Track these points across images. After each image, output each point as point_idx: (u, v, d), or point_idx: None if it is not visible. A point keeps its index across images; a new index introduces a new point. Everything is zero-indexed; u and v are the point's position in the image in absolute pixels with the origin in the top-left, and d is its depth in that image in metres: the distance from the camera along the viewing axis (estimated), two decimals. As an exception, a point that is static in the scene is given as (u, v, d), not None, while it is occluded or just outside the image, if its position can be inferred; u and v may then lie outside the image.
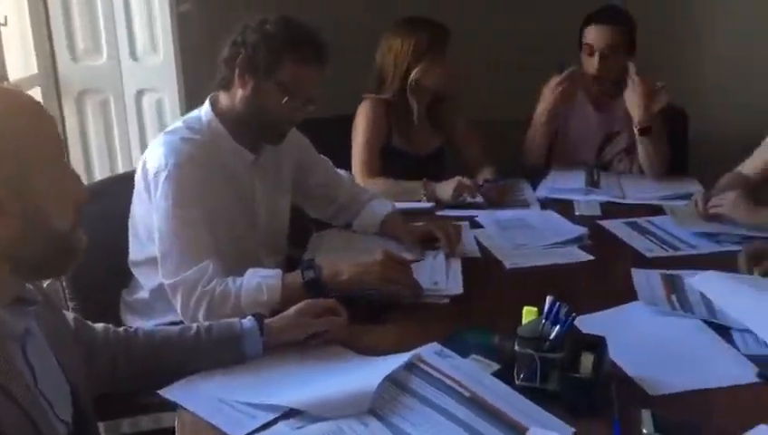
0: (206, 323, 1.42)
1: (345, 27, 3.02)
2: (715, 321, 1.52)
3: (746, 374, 1.33)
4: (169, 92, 2.46)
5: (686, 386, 1.30)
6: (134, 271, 1.85)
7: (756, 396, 1.28)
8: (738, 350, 1.42)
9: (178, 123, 1.79)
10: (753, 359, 1.38)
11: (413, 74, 2.41)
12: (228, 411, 1.25)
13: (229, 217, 1.76)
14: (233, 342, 1.39)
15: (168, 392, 1.31)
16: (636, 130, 2.45)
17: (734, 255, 1.82)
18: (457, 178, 2.32)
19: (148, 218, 1.73)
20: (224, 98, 1.77)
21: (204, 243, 1.64)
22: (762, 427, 1.15)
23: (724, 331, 1.49)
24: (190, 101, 2.39)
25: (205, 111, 1.78)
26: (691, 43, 3.19)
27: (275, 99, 1.70)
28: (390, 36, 2.45)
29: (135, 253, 1.83)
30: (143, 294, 1.83)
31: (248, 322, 1.41)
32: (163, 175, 1.65)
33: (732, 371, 1.35)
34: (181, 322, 1.60)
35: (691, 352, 1.43)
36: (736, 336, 1.47)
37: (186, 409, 1.27)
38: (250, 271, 1.63)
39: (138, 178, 1.75)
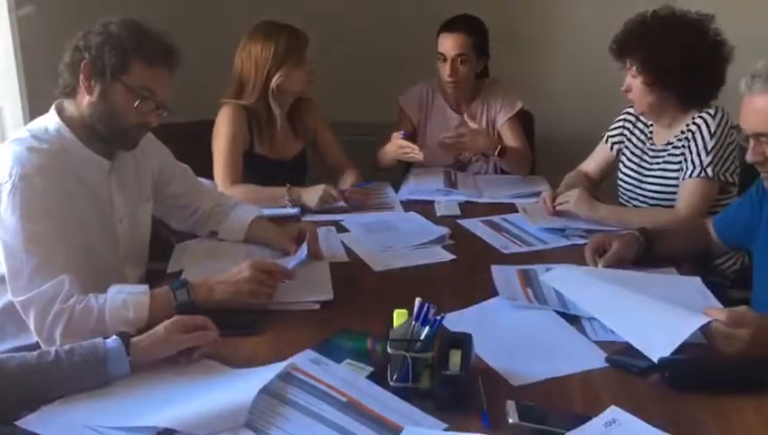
0: (67, 346, 1.35)
1: (198, 32, 2.98)
2: (567, 311, 1.64)
3: (596, 360, 1.45)
4: (10, 100, 2.30)
5: (544, 375, 1.39)
6: (-23, 292, 1.72)
7: (606, 380, 1.39)
8: (588, 337, 1.54)
9: (23, 132, 1.69)
10: (602, 345, 1.50)
11: (275, 79, 2.40)
12: (95, 438, 1.20)
13: (86, 228, 1.69)
14: (97, 364, 1.33)
15: (27, 423, 1.23)
16: (496, 157, 2.61)
17: (581, 248, 1.96)
18: (323, 186, 2.35)
19: None
20: (70, 105, 1.70)
21: (58, 257, 1.56)
22: (613, 408, 1.25)
23: (575, 320, 1.61)
24: (35, 109, 2.25)
25: (51, 118, 1.70)
26: (538, 50, 3.38)
27: (125, 103, 1.65)
28: (249, 42, 2.42)
29: (-23, 272, 1.70)
30: (-11, 316, 1.71)
31: (113, 342, 1.36)
32: (7, 187, 1.55)
33: (584, 357, 1.46)
34: (36, 345, 1.51)
35: (547, 342, 1.54)
36: (586, 325, 1.59)
37: (47, 439, 1.20)
38: (114, 287, 1.57)
39: None
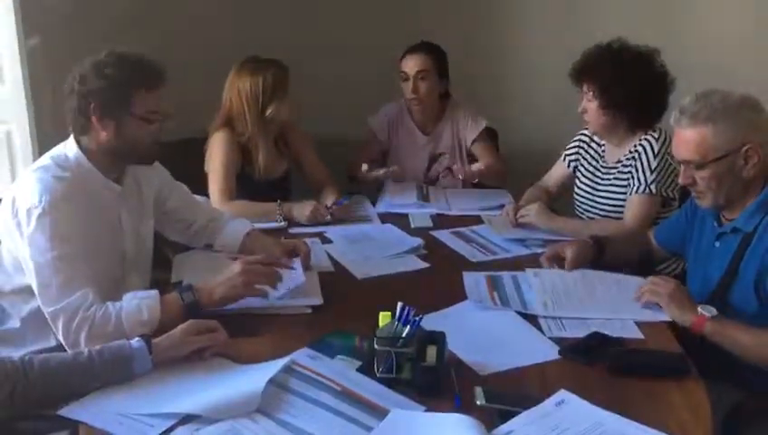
0: (97, 347, 1.55)
1: (188, 55, 3.15)
2: (526, 312, 1.88)
3: (550, 353, 1.69)
4: (19, 124, 2.45)
5: (506, 365, 1.63)
6: (2, 301, 1.91)
7: (558, 369, 1.64)
8: (544, 334, 1.78)
9: (47, 160, 1.87)
10: (555, 340, 1.74)
11: (268, 113, 2.59)
12: (129, 423, 1.41)
13: (100, 247, 1.87)
14: (124, 361, 1.53)
15: (69, 412, 1.44)
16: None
17: (540, 256, 2.20)
18: (314, 203, 2.55)
19: (16, 251, 1.81)
20: (86, 139, 1.88)
21: (82, 273, 1.75)
22: (562, 391, 1.50)
23: (532, 319, 1.85)
24: (41, 133, 2.41)
25: (70, 147, 1.88)
26: (501, 70, 3.61)
27: (139, 129, 1.86)
28: (236, 80, 2.61)
29: (2, 283, 1.89)
30: (13, 323, 1.90)
31: (136, 342, 1.56)
32: (37, 212, 1.74)
33: (540, 350, 1.70)
34: (53, 348, 1.72)
35: (509, 338, 1.77)
36: (542, 323, 1.83)
37: (87, 425, 1.40)
38: (128, 294, 1.77)
39: (6, 212, 1.81)
